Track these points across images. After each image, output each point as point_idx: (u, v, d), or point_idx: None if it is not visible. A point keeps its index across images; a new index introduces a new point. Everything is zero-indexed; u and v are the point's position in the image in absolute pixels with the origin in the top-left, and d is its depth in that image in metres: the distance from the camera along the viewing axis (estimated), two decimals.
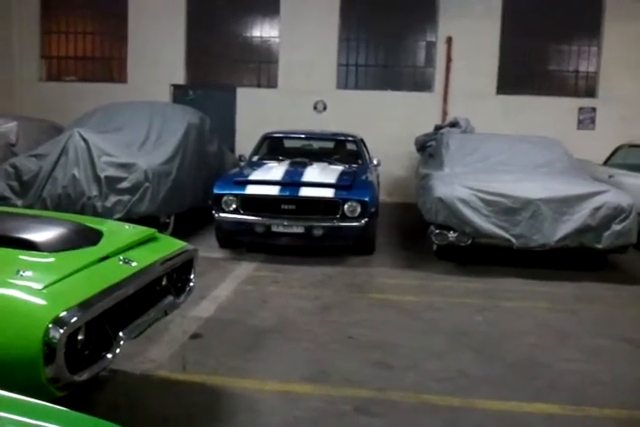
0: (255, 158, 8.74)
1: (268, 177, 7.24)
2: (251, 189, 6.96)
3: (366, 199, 6.79)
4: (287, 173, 7.36)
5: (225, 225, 7.07)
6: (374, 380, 3.87)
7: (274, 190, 6.90)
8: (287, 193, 6.86)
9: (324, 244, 7.10)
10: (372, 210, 6.90)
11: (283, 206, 6.84)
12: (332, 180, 7.11)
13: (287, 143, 9.78)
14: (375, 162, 8.86)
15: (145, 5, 12.38)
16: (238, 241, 7.36)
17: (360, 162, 8.65)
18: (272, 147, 9.33)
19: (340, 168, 7.84)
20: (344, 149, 9.40)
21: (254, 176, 7.33)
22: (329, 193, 6.83)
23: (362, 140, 9.31)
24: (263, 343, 4.43)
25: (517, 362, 4.25)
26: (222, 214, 6.91)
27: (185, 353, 4.13)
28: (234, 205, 6.88)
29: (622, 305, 5.77)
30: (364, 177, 7.72)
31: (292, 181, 7.04)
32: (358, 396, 3.63)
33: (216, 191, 7.01)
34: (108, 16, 12.93)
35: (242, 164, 8.63)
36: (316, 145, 9.73)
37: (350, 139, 9.32)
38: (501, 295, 5.89)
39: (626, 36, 11.92)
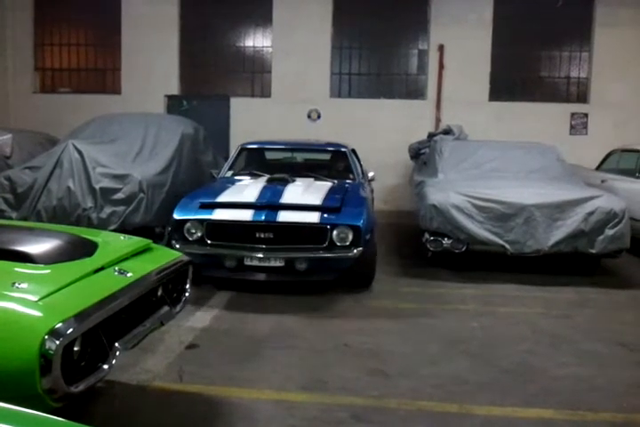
0: (229, 174, 7.59)
1: (240, 198, 6.10)
2: (219, 214, 5.82)
3: (359, 224, 5.71)
4: (263, 192, 6.21)
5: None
6: (371, 387, 3.88)
7: (246, 215, 5.76)
8: (262, 218, 5.71)
9: (309, 279, 5.97)
10: (367, 237, 5.84)
11: (258, 235, 5.72)
12: (316, 200, 6.02)
13: (268, 156, 8.66)
14: (370, 176, 7.87)
15: (138, 16, 12.41)
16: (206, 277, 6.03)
17: (352, 177, 7.54)
18: (250, 160, 8.20)
19: (327, 185, 6.79)
20: (333, 162, 8.30)
21: (223, 197, 6.17)
22: (313, 217, 5.75)
23: (353, 151, 8.24)
24: (259, 352, 4.44)
25: (513, 367, 4.27)
26: (184, 245, 5.70)
27: (181, 363, 4.14)
28: (198, 233, 5.77)
29: (616, 309, 5.80)
30: (356, 196, 6.63)
31: (268, 203, 5.90)
32: (355, 404, 3.65)
33: (176, 216, 5.87)
34: (102, 27, 12.96)
35: (212, 182, 7.44)
36: (300, 157, 8.73)
37: (342, 149, 8.08)
38: (496, 301, 5.91)
39: (616, 41, 11.99)
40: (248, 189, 6.43)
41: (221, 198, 6.13)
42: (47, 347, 2.31)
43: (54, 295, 2.60)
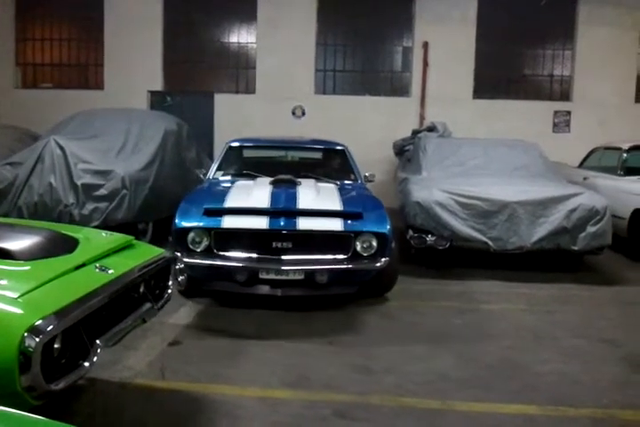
0: (219, 174, 6.97)
1: (251, 203, 5.44)
2: (229, 221, 5.17)
3: (385, 231, 5.20)
4: (275, 196, 5.54)
5: (192, 271, 5.30)
6: (354, 384, 3.88)
7: (262, 223, 5.13)
8: (281, 225, 5.11)
9: (329, 293, 5.40)
10: (393, 245, 5.41)
11: (275, 244, 5.11)
12: (336, 206, 5.50)
13: (258, 154, 7.95)
14: (367, 175, 7.16)
15: (121, 11, 12.31)
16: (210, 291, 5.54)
17: (352, 177, 7.01)
18: (240, 159, 7.53)
19: (333, 187, 6.33)
20: (330, 161, 7.72)
21: (231, 202, 5.52)
22: (336, 225, 5.17)
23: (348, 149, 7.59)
24: (243, 350, 4.42)
25: (496, 364, 4.28)
26: (189, 257, 5.09)
27: (164, 361, 4.12)
28: (205, 243, 5.16)
29: (599, 306, 5.84)
30: (370, 198, 6.11)
31: (284, 209, 5.29)
32: (338, 400, 3.64)
33: (179, 224, 5.20)
34: (84, 22, 12.84)
35: (205, 183, 6.76)
36: (293, 156, 8.00)
37: (338, 148, 7.50)
38: (480, 298, 5.93)
39: (599, 39, 12.10)
40: (255, 192, 5.76)
41: (229, 203, 5.49)
42: (27, 344, 2.28)
43: (34, 292, 2.57)
